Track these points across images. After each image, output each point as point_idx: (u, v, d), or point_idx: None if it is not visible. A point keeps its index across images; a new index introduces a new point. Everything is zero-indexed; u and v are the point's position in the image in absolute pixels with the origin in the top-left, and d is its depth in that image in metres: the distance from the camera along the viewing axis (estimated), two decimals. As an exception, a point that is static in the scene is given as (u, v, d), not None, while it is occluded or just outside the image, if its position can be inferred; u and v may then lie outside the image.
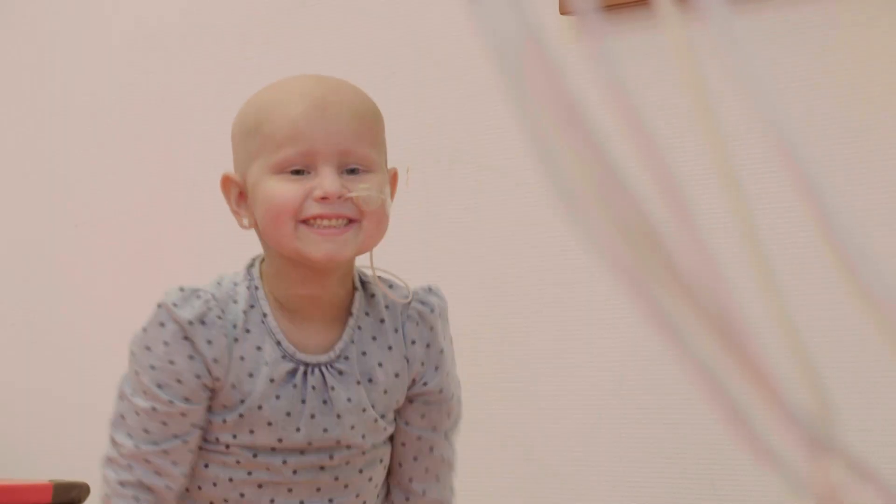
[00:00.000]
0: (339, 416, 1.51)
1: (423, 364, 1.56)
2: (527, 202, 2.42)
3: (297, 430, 1.50)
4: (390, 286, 1.57)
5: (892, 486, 0.55)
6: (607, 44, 0.52)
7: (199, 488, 1.53)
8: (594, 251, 0.52)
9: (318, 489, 1.53)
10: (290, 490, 1.52)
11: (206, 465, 1.52)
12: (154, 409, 1.48)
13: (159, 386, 1.48)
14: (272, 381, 1.49)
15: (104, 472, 1.51)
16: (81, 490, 2.55)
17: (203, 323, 1.48)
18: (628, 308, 2.10)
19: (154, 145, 2.94)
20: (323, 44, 2.69)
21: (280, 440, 1.50)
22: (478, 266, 2.47)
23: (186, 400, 1.48)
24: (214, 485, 1.52)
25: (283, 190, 1.45)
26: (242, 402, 1.49)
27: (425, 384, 1.56)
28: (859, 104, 2.10)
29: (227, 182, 1.52)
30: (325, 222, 1.45)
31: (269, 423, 1.49)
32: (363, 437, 1.52)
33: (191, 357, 1.48)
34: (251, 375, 1.49)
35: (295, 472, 1.52)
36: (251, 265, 1.54)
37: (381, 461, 1.57)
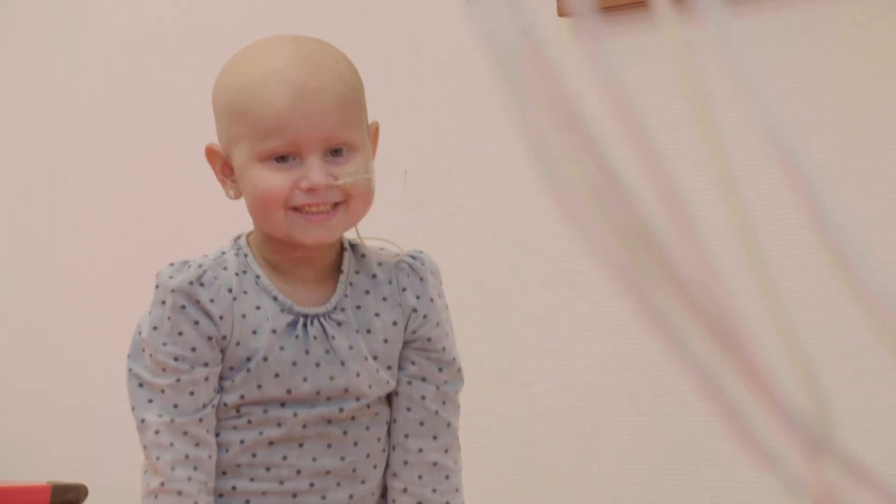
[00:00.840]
0: (343, 364, 1.53)
1: (415, 310, 1.58)
2: (525, 204, 2.42)
3: (305, 379, 1.52)
4: (381, 249, 1.61)
5: (889, 487, 0.55)
6: (605, 45, 0.52)
7: (210, 458, 1.54)
8: (592, 252, 0.52)
9: (329, 445, 1.54)
10: (300, 445, 1.53)
11: (217, 434, 1.53)
12: (178, 380, 1.51)
13: (176, 359, 1.51)
14: (274, 332, 1.52)
15: (144, 482, 1.53)
16: (79, 492, 2.55)
17: (202, 284, 1.52)
18: (626, 310, 2.09)
19: (154, 145, 2.93)
20: (322, 45, 2.69)
21: (289, 391, 1.52)
22: (476, 267, 2.47)
23: (206, 365, 1.51)
24: (227, 451, 1.53)
25: (271, 180, 1.49)
26: (249, 359, 1.52)
27: (414, 332, 1.58)
28: (858, 106, 2.10)
29: (211, 153, 1.57)
30: (314, 209, 1.50)
31: (277, 375, 1.52)
32: (370, 386, 1.55)
33: (196, 322, 1.51)
34: (254, 332, 1.52)
35: (305, 426, 1.53)
36: (237, 237, 1.59)
37: (386, 422, 1.58)
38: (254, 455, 1.54)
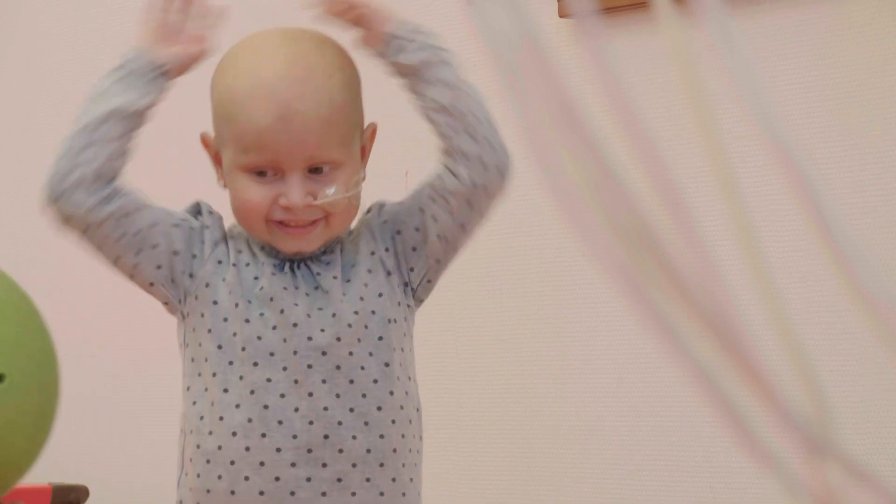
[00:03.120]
0: (327, 293, 1.54)
1: (383, 222, 1.59)
2: (525, 204, 2.42)
3: (296, 304, 1.54)
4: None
5: (889, 488, 0.55)
6: (605, 46, 0.52)
7: (221, 419, 1.54)
8: (592, 252, 0.52)
9: (324, 381, 1.53)
10: (295, 382, 1.52)
11: (226, 390, 1.54)
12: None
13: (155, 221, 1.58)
14: (264, 264, 1.55)
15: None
16: (80, 493, 2.54)
17: (211, 213, 1.59)
18: (626, 310, 2.09)
19: (154, 146, 2.93)
20: (322, 46, 2.69)
21: (282, 311, 1.53)
22: (476, 268, 2.47)
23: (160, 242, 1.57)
24: (237, 406, 1.53)
25: (251, 193, 1.51)
26: (241, 295, 1.54)
27: (399, 232, 1.59)
28: (858, 106, 2.10)
29: (205, 142, 1.60)
30: (293, 223, 1.52)
31: (271, 299, 1.53)
32: (355, 312, 1.54)
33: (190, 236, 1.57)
34: (248, 265, 1.55)
35: (295, 352, 1.53)
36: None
37: (386, 364, 1.56)
38: (265, 406, 1.53)
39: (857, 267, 0.52)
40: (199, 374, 1.56)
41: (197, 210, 1.60)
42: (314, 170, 1.51)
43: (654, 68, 2.18)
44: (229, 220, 1.58)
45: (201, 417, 1.55)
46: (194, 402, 1.56)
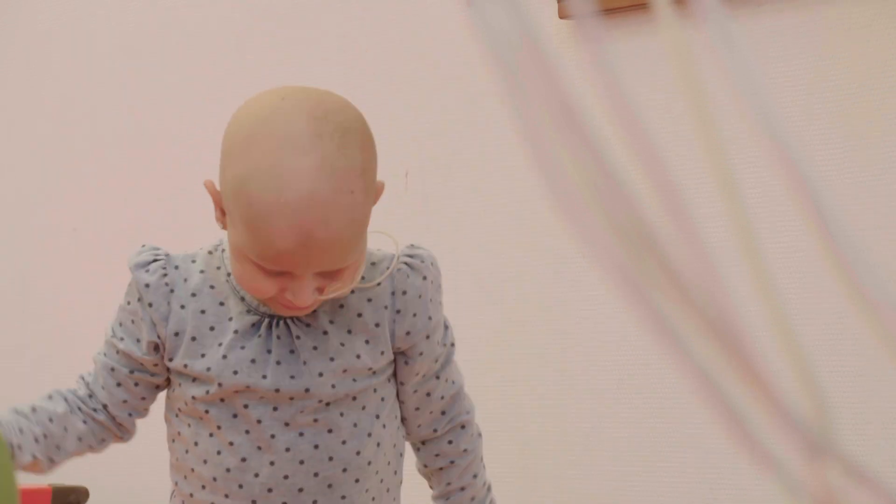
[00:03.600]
0: (305, 363, 1.52)
1: (414, 315, 1.56)
2: (525, 206, 2.42)
3: (264, 377, 1.52)
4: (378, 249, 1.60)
5: (889, 489, 0.55)
6: (605, 47, 0.52)
7: (192, 470, 1.56)
8: (592, 253, 0.52)
9: (287, 449, 1.53)
10: (258, 448, 1.52)
11: (196, 444, 1.55)
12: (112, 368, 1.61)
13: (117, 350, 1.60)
14: (236, 332, 1.53)
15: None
16: (80, 494, 2.54)
17: (147, 271, 1.58)
18: (626, 311, 2.09)
19: (155, 148, 2.93)
20: (322, 48, 2.69)
21: (248, 387, 1.52)
22: (477, 270, 2.47)
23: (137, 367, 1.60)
24: (205, 462, 1.55)
25: (260, 282, 1.46)
26: (203, 355, 1.53)
27: (408, 333, 1.57)
28: (858, 107, 2.10)
29: (210, 189, 1.52)
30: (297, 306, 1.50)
31: (235, 372, 1.52)
32: (333, 386, 1.53)
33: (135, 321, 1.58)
34: (212, 329, 1.53)
35: (269, 429, 1.53)
36: (222, 240, 1.59)
37: (363, 408, 1.55)
38: (226, 468, 1.54)
39: (858, 267, 0.52)
40: (177, 416, 1.58)
41: (136, 289, 1.58)
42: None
43: (654, 69, 2.18)
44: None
45: (186, 451, 1.57)
46: (179, 433, 1.58)
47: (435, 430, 1.62)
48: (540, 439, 2.40)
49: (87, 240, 3.01)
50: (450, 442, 1.62)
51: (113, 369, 1.59)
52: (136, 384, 1.59)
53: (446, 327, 1.61)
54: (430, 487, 1.66)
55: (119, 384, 1.59)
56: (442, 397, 1.61)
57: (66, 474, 2.82)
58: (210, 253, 1.57)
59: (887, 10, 2.09)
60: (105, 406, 1.60)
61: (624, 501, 2.31)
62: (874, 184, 2.09)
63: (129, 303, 1.59)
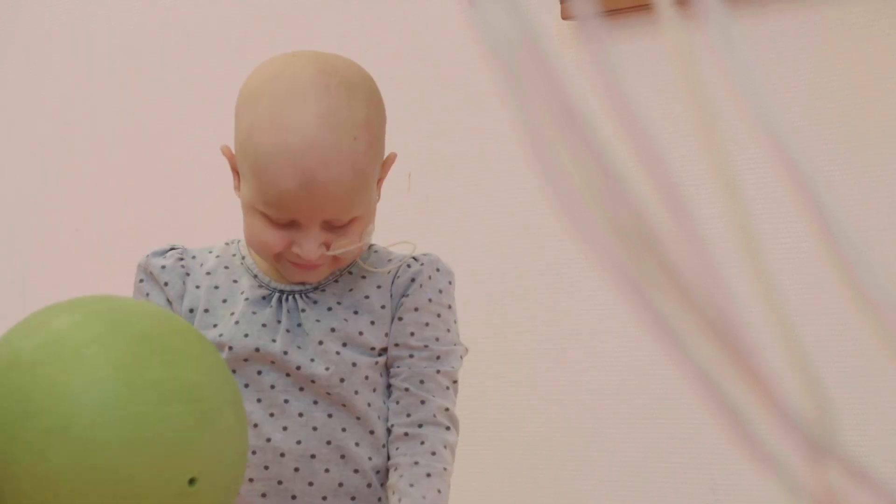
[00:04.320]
0: (308, 334, 1.56)
1: (405, 296, 1.60)
2: (527, 207, 2.42)
3: (273, 340, 1.56)
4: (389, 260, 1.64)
5: (890, 489, 0.55)
6: (608, 48, 0.52)
7: None
8: (592, 254, 0.52)
9: (300, 414, 1.55)
10: (271, 415, 1.55)
11: None
12: None
13: None
14: (247, 300, 1.58)
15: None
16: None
17: (159, 255, 1.63)
18: (628, 312, 2.10)
19: (156, 148, 2.93)
20: (322, 48, 2.69)
21: (258, 349, 1.55)
22: (478, 270, 2.47)
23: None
24: None
25: (266, 235, 1.52)
26: (215, 325, 1.57)
27: (400, 318, 1.59)
28: (859, 108, 2.10)
29: (226, 153, 1.58)
30: (303, 262, 1.54)
31: (246, 335, 1.56)
32: (337, 352, 1.55)
33: (147, 295, 1.60)
34: (225, 301, 1.58)
35: (282, 393, 1.56)
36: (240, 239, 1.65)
37: (374, 390, 1.58)
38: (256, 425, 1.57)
39: (858, 268, 0.52)
40: None
41: (144, 271, 1.62)
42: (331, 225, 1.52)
43: (656, 70, 2.18)
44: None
45: None
46: None
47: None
48: (540, 439, 2.40)
49: (88, 240, 3.01)
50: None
51: None
52: None
53: (453, 339, 1.63)
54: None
55: None
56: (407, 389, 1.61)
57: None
58: (227, 244, 1.64)
59: (887, 10, 2.09)
60: None
61: (624, 501, 2.31)
62: (875, 184, 2.09)
63: (141, 280, 1.62)
